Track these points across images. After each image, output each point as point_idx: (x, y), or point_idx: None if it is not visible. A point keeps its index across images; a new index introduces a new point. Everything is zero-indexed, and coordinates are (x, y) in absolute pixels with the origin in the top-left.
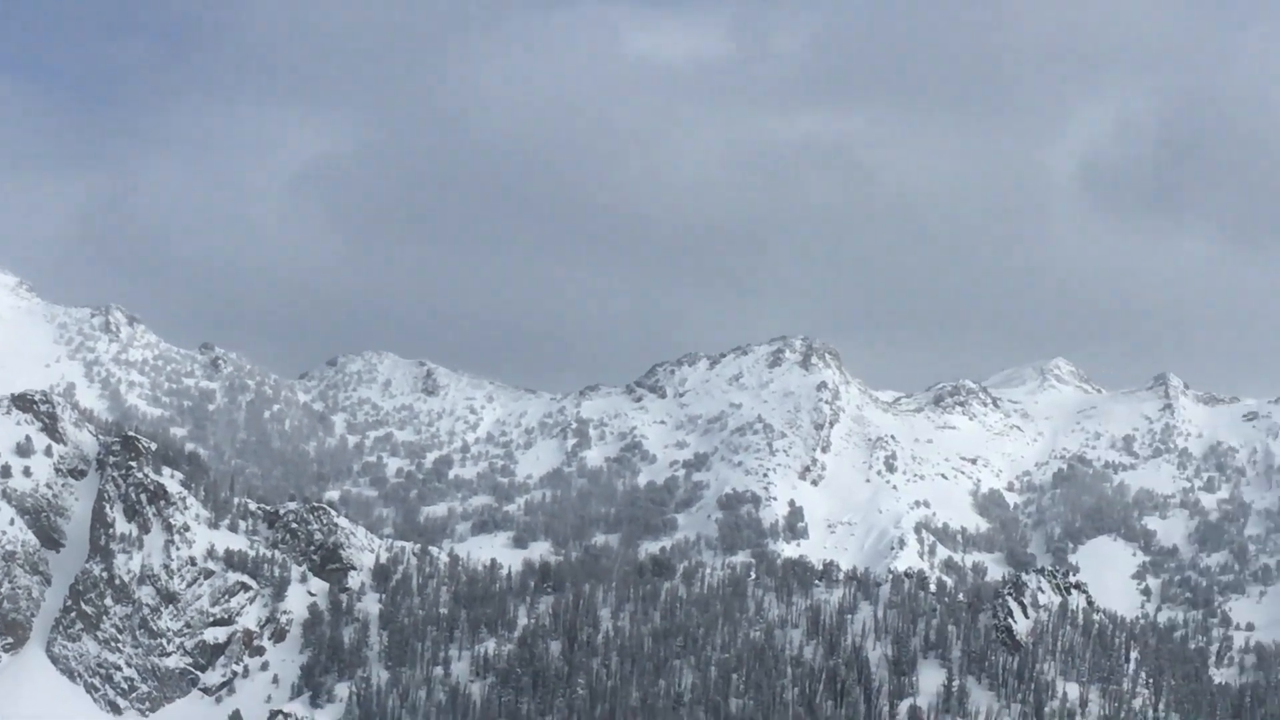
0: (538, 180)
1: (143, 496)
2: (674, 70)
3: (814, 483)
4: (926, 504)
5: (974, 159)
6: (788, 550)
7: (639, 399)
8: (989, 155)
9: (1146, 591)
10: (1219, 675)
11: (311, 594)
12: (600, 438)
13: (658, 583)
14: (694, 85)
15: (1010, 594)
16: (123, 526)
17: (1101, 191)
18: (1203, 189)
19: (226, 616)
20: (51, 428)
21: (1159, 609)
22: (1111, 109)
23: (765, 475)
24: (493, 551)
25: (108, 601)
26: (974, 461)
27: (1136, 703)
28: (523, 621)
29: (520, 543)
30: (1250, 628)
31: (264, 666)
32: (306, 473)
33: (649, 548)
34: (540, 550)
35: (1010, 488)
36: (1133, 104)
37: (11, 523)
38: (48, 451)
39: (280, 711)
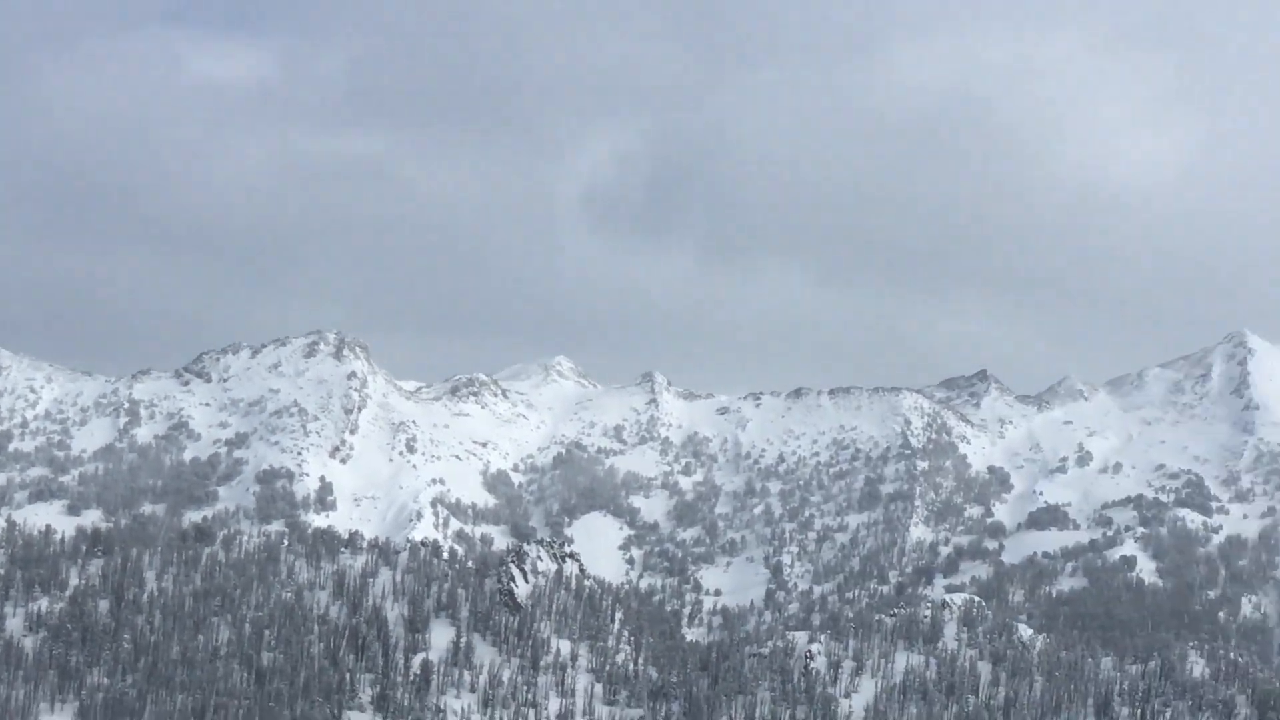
0: (101, 186)
1: None
2: (229, 92)
3: (343, 461)
4: (442, 481)
5: (494, 179)
6: (318, 521)
7: (187, 383)
8: (506, 176)
9: (631, 561)
10: (690, 633)
11: None
12: (150, 417)
13: (199, 548)
14: (246, 105)
15: (513, 562)
16: None
17: (599, 214)
18: (685, 214)
19: None
20: None
21: (641, 576)
22: (610, 142)
23: (299, 454)
24: (48, 518)
25: None
26: (485, 445)
27: (620, 657)
28: (74, 582)
29: (74, 510)
30: (718, 593)
31: None
32: None
33: (192, 517)
34: (93, 518)
35: (516, 469)
36: (628, 138)
37: None
38: None
39: None
